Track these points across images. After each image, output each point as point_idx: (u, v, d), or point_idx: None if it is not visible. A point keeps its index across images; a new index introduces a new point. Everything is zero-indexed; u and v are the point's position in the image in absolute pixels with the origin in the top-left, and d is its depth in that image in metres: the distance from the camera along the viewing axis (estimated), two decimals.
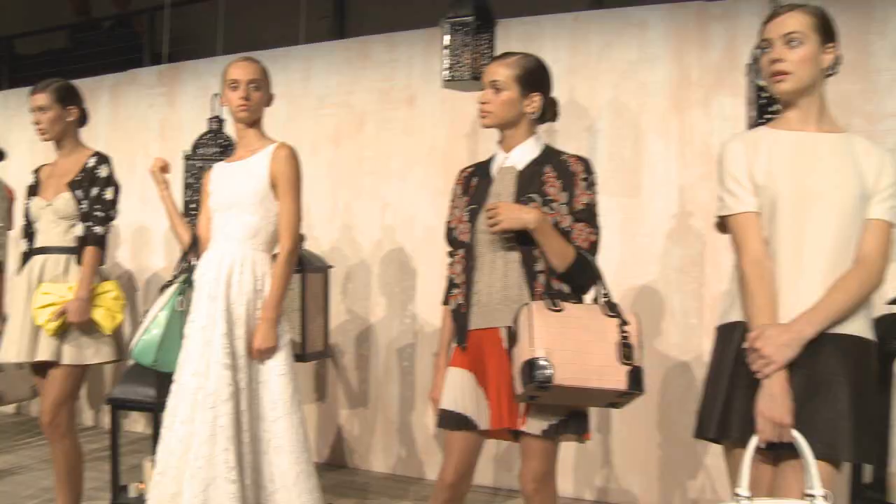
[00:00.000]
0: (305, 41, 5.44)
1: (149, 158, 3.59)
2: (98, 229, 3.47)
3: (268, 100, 3.15)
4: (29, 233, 3.61)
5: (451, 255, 2.68)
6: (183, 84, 5.72)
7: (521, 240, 2.47)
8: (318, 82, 5.17)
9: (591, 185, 2.53)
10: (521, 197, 2.50)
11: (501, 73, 2.55)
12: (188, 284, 3.10)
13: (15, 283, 3.61)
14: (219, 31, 5.51)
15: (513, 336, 2.38)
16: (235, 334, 2.94)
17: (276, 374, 2.98)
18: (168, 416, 2.96)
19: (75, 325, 3.38)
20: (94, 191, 3.47)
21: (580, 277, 2.48)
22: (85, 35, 7.98)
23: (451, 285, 2.64)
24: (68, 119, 3.52)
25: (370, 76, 4.98)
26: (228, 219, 3.05)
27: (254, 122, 3.12)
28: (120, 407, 3.73)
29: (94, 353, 3.45)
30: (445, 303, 2.69)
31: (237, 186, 3.06)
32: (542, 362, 2.23)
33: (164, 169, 3.39)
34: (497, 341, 2.49)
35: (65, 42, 8.23)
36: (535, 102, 2.58)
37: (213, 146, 4.04)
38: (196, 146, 4.06)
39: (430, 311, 4.61)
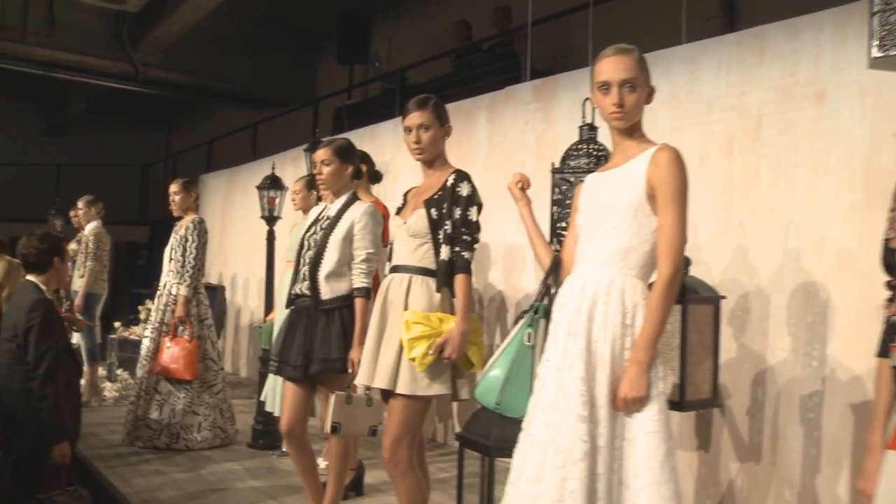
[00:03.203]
0: (688, 41, 4.84)
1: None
2: (467, 254, 3.22)
3: (647, 96, 2.60)
4: (391, 252, 3.47)
5: (891, 286, 1.94)
6: (558, 98, 5.43)
7: None
8: (706, 84, 4.53)
9: None
10: None
11: None
12: (542, 315, 2.66)
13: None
14: (589, 35, 5.10)
15: None
16: (597, 379, 2.41)
17: (645, 431, 2.37)
18: (514, 471, 2.51)
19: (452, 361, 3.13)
20: (457, 211, 3.23)
21: None
22: (468, 59, 8.09)
23: (894, 331, 1.90)
24: (445, 137, 3.41)
25: (767, 72, 4.24)
26: (595, 237, 2.55)
27: (631, 128, 2.59)
28: (464, 445, 3.47)
29: (428, 385, 3.13)
30: (883, 355, 1.95)
31: (607, 199, 2.56)
32: None
33: (524, 185, 3.06)
34: None
35: (450, 67, 8.43)
36: None
37: (585, 157, 3.62)
38: (565, 158, 3.66)
39: (844, 353, 3.75)
